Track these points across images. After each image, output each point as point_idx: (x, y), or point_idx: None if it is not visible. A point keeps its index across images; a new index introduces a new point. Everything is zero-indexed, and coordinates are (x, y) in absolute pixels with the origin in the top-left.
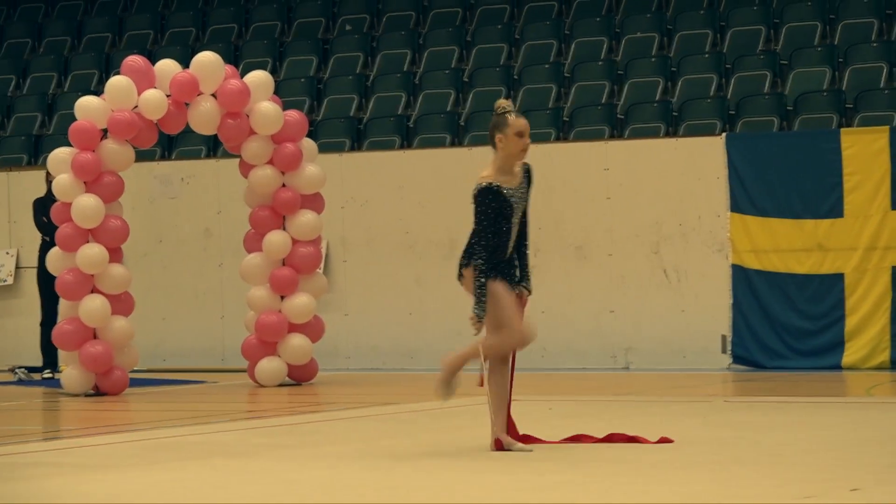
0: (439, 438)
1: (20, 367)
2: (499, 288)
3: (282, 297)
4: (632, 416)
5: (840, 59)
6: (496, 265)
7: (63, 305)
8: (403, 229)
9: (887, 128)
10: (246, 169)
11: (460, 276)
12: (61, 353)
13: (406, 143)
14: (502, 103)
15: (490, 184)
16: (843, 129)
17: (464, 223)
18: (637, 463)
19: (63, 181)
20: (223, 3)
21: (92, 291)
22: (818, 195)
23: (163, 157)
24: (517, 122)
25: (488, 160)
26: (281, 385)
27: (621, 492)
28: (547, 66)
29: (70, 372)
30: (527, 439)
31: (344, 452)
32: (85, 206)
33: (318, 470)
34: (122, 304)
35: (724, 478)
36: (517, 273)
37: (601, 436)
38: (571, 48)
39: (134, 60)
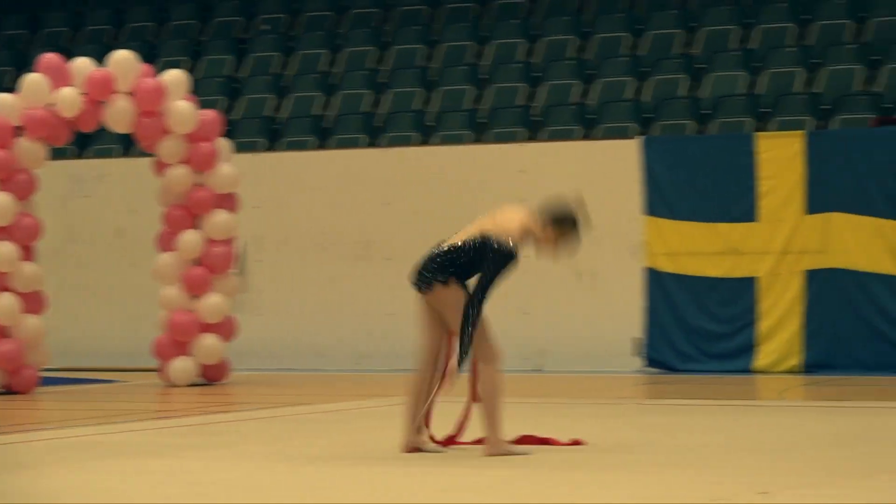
0: (351, 439)
1: None
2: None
3: (195, 297)
4: (544, 418)
5: (757, 63)
6: None
7: None
8: (318, 230)
9: (802, 132)
10: (160, 168)
11: (429, 286)
12: None
13: (322, 144)
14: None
15: (516, 246)
16: (758, 134)
17: (379, 224)
18: (548, 465)
19: None
20: (140, 2)
21: (3, 289)
22: (733, 199)
23: (77, 156)
24: (576, 244)
25: (518, 210)
26: (192, 385)
27: (532, 493)
28: (464, 67)
29: None
30: (447, 442)
31: (254, 453)
32: None
33: (227, 471)
34: (33, 302)
35: (635, 480)
36: None
37: (513, 437)
38: (489, 50)
39: (49, 58)
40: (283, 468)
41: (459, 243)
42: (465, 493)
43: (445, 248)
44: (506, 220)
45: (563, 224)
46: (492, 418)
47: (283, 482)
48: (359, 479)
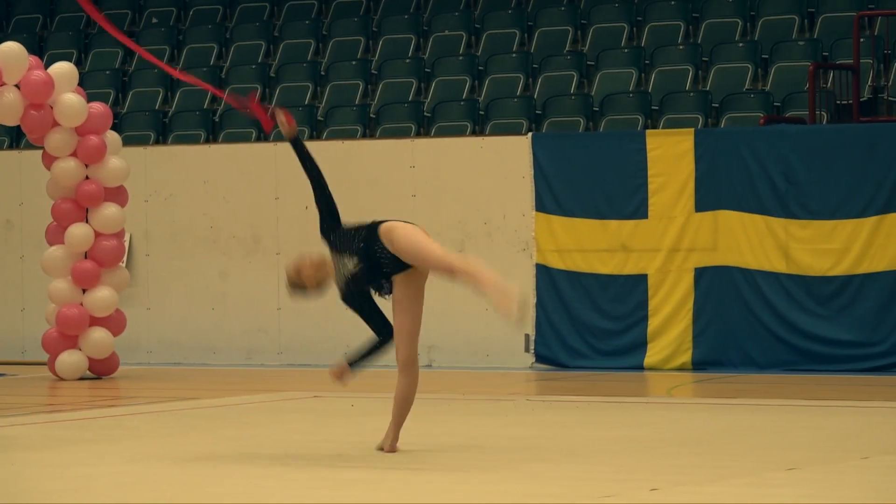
0: (238, 434)
1: None
2: None
3: (83, 291)
4: (434, 414)
5: (646, 62)
6: None
7: None
8: (207, 224)
9: (692, 130)
10: (49, 161)
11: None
12: None
13: (212, 138)
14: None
15: None
16: (648, 131)
17: (269, 219)
18: (437, 462)
19: None
20: None
21: None
22: (623, 196)
23: None
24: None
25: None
26: (82, 378)
27: (419, 491)
28: (354, 62)
29: None
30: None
31: (142, 447)
32: None
33: (115, 465)
34: None
35: (525, 476)
36: None
37: None
38: (379, 45)
39: None
40: (169, 463)
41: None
42: (345, 489)
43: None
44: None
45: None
46: (399, 420)
47: (168, 477)
48: (250, 476)
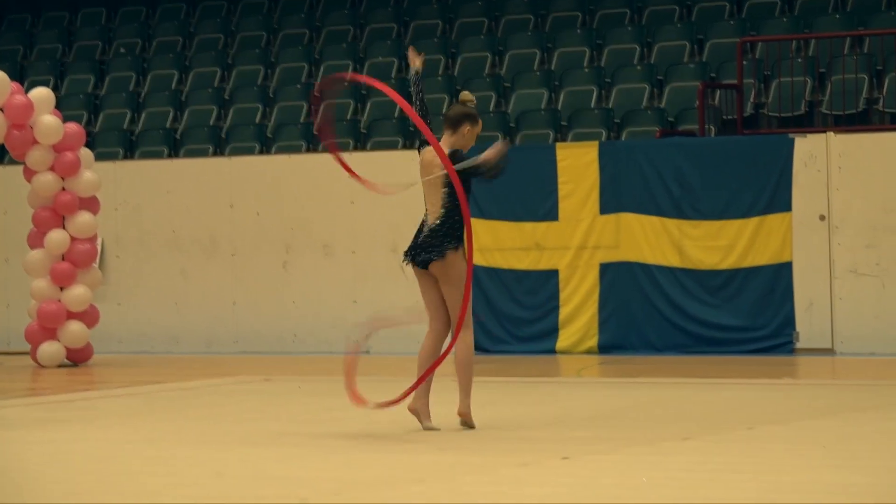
0: (199, 413)
1: None
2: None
3: (61, 288)
4: (372, 394)
5: (556, 83)
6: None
7: None
8: (170, 229)
9: (597, 143)
10: (29, 174)
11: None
12: None
13: (174, 153)
14: (472, 98)
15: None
16: (558, 144)
17: (224, 224)
18: (361, 440)
19: None
20: (10, 28)
21: None
22: (536, 201)
23: None
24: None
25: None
26: (60, 366)
27: (337, 461)
28: (299, 86)
29: None
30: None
31: (114, 425)
32: None
33: (89, 441)
34: None
35: (447, 448)
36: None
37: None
38: (320, 70)
39: None
40: (138, 439)
41: (438, 221)
42: (282, 464)
43: (434, 227)
44: (435, 185)
45: (474, 117)
46: (468, 384)
47: (137, 451)
48: (200, 450)
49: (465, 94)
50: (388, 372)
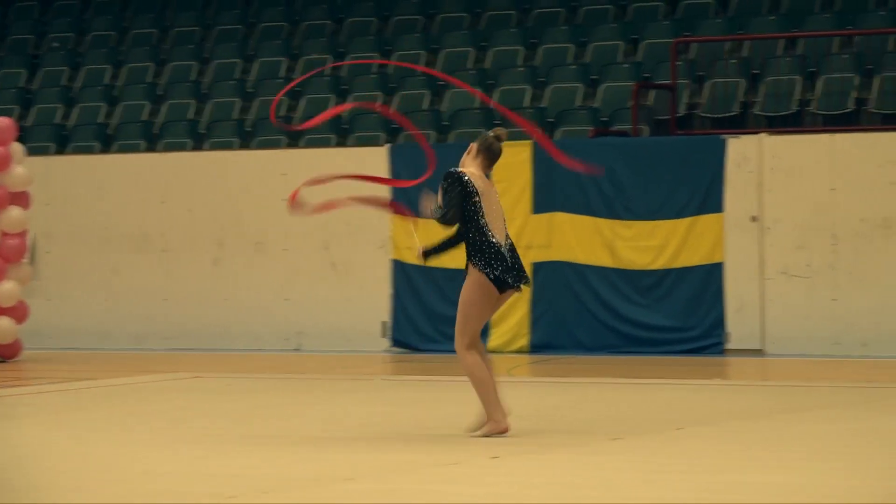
0: (130, 410)
1: None
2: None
3: None
4: (301, 391)
5: (490, 82)
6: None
7: None
8: (102, 225)
9: (530, 142)
10: None
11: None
12: None
13: (105, 149)
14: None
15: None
16: None
17: (156, 220)
18: (291, 438)
19: None
20: None
21: None
22: None
23: None
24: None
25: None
26: None
27: (268, 463)
28: (233, 82)
29: None
30: None
31: (44, 421)
32: None
33: (17, 437)
34: None
35: (378, 447)
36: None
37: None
38: (254, 67)
39: None
40: (67, 435)
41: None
42: (223, 459)
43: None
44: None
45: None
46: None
47: (66, 448)
48: (130, 444)
49: (499, 130)
50: (317, 370)
